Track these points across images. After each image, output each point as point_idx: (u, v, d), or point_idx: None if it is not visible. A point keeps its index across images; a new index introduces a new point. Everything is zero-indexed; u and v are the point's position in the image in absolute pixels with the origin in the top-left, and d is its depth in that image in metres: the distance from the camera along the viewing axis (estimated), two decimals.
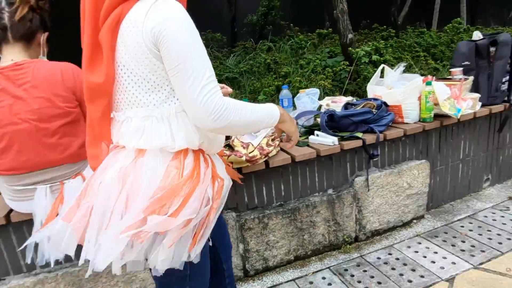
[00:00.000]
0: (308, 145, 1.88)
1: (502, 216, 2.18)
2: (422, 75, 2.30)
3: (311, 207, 1.87)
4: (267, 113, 0.93)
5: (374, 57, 3.72)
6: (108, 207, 0.82)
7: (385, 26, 7.40)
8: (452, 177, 2.36)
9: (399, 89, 2.01)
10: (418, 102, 2.04)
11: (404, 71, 2.16)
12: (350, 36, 4.17)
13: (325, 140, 1.86)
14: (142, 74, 0.84)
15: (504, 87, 2.28)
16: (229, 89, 1.33)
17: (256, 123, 0.91)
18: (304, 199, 1.89)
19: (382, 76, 2.21)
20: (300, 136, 1.97)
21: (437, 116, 2.08)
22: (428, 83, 1.97)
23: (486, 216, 2.20)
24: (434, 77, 2.39)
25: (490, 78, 2.23)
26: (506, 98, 2.30)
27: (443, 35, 7.20)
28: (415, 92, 2.02)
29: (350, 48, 4.06)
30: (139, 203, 0.79)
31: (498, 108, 2.27)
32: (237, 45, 6.68)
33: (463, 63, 2.28)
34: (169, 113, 0.86)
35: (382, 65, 2.14)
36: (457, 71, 2.21)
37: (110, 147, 0.94)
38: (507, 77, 2.29)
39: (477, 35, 2.31)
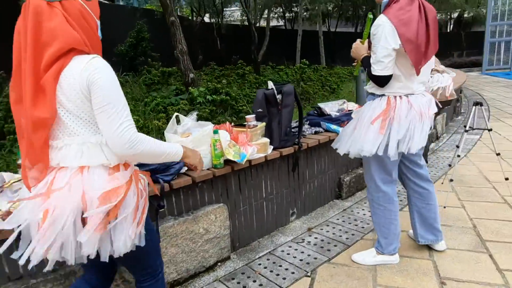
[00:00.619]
0: None
1: (296, 249, 2.38)
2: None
3: None
4: (171, 149, 1.25)
5: (209, 97, 3.86)
6: (71, 212, 1.06)
7: (236, 64, 7.88)
8: (258, 215, 2.51)
9: (188, 138, 2.06)
10: (210, 149, 2.13)
11: None
12: (191, 75, 4.28)
13: None
14: (76, 112, 1.09)
15: (294, 131, 2.56)
16: None
17: (162, 156, 1.22)
18: None
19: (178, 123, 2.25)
20: None
21: (231, 161, 2.20)
22: (215, 132, 2.08)
23: (283, 251, 2.38)
24: (232, 124, 2.54)
25: (280, 123, 2.48)
26: (296, 141, 2.58)
27: (297, 72, 8.00)
28: (207, 139, 2.10)
29: (190, 88, 4.14)
30: (94, 203, 1.07)
31: (288, 150, 2.53)
32: None
33: (257, 110, 2.49)
34: (101, 141, 1.12)
35: (176, 114, 2.18)
36: (250, 118, 2.40)
37: (48, 169, 1.14)
38: (297, 123, 2.59)
39: (270, 84, 2.57)
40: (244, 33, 12.31)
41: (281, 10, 21.37)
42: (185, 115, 2.21)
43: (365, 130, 1.92)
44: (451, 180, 3.03)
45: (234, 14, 20.71)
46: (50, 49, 1.05)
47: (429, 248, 2.27)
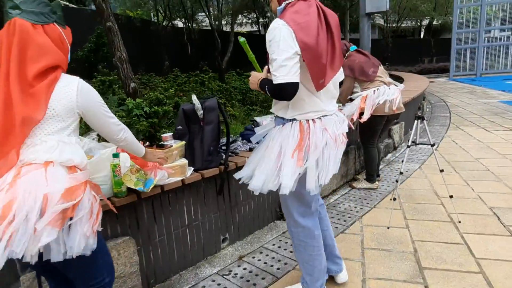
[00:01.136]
0: None
1: (219, 284, 2.13)
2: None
3: None
4: (138, 147, 1.62)
5: (147, 109, 3.57)
6: (32, 207, 1.13)
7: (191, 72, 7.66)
8: (179, 245, 2.24)
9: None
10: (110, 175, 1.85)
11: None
12: (132, 85, 3.98)
13: None
14: (63, 116, 1.30)
15: (220, 150, 2.31)
16: None
17: (136, 147, 1.60)
18: None
19: None
20: None
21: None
22: (115, 155, 1.80)
23: (204, 286, 2.12)
24: (147, 142, 2.28)
25: (202, 142, 2.23)
26: (222, 161, 2.34)
27: None
28: (106, 164, 1.82)
29: (128, 99, 3.83)
30: (55, 198, 1.16)
31: (213, 171, 2.28)
32: None
33: (177, 127, 2.23)
34: (71, 141, 1.32)
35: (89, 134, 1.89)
36: (167, 137, 2.14)
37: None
38: (223, 141, 2.35)
39: (193, 98, 2.32)
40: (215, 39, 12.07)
41: (255, 15, 21.29)
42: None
43: (278, 163, 1.64)
44: (394, 199, 2.86)
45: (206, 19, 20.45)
46: (37, 64, 1.25)
47: (363, 279, 2.07)
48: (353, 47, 3.36)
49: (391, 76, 13.43)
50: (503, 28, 17.61)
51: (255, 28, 23.31)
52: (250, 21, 22.58)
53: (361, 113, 3.11)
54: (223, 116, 2.32)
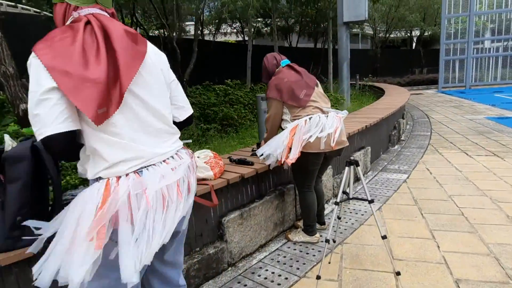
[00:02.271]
0: None
1: None
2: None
3: None
4: None
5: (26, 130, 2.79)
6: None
7: None
8: None
9: None
10: None
11: None
12: (23, 106, 3.21)
13: None
14: None
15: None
16: None
17: None
18: None
19: None
20: None
21: None
22: None
23: None
24: None
25: (3, 209, 1.46)
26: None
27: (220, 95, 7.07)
28: None
29: (15, 126, 3.05)
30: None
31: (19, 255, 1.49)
32: None
33: None
34: None
35: None
36: None
37: None
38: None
39: (6, 139, 1.56)
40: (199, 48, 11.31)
41: (239, 24, 20.73)
42: None
43: (69, 245, 1.04)
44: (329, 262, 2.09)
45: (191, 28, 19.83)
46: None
47: None
48: (285, 62, 2.63)
49: (372, 87, 12.87)
50: (492, 39, 17.14)
51: (240, 38, 22.74)
52: (235, 30, 22.05)
53: (290, 150, 2.37)
54: (48, 171, 1.54)
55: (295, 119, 2.41)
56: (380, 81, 19.35)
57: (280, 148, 2.35)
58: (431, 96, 14.74)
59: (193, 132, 5.84)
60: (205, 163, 2.29)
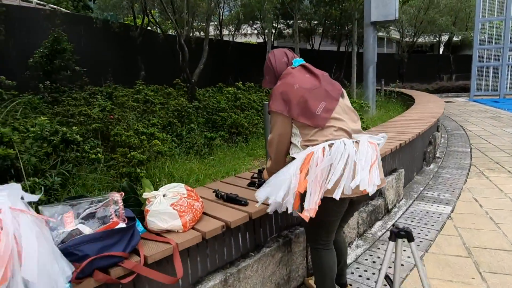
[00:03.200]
0: None
1: None
2: None
3: None
4: None
5: None
6: None
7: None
8: None
9: None
10: None
11: None
12: None
13: None
14: None
15: None
16: None
17: None
18: None
19: None
20: None
21: None
22: None
23: None
24: None
25: None
26: None
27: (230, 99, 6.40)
28: None
29: None
30: None
31: None
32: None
33: None
34: None
35: None
36: None
37: None
38: None
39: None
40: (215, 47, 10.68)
41: (260, 26, 20.02)
42: None
43: None
44: None
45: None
46: None
47: None
48: (298, 61, 1.86)
49: (400, 93, 11.96)
50: None
51: (261, 39, 22.02)
52: (256, 31, 21.37)
53: (303, 196, 1.57)
54: None
55: (307, 146, 1.63)
56: (407, 87, 18.21)
57: (283, 191, 1.57)
58: (462, 105, 13.58)
59: (195, 140, 5.12)
60: (171, 206, 1.55)
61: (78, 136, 3.42)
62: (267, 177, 1.94)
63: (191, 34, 14.56)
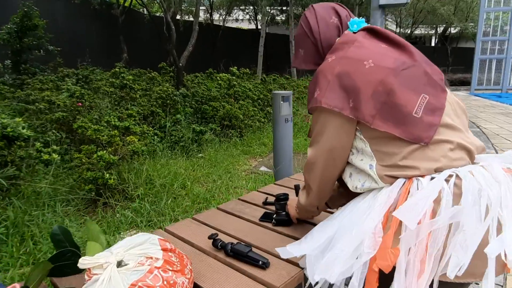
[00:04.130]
0: None
1: None
2: None
3: None
4: None
5: None
6: None
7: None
8: None
9: None
10: None
11: None
12: None
13: None
14: None
15: None
16: None
17: None
18: None
19: None
20: None
21: None
22: None
23: None
24: None
25: None
26: None
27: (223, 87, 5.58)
28: None
29: None
30: None
31: None
32: None
33: None
34: None
35: None
36: None
37: None
38: None
39: None
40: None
41: (253, 9, 19.03)
42: None
43: None
44: None
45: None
46: None
47: None
48: (359, 22, 1.07)
49: None
50: None
51: (252, 25, 21.05)
52: (248, 16, 20.40)
53: (385, 277, 0.80)
54: None
55: (394, 176, 0.86)
56: None
57: (343, 264, 0.81)
58: (465, 99, 13.01)
59: (182, 134, 4.31)
60: (131, 287, 0.76)
61: (25, 130, 2.59)
62: (295, 216, 1.18)
63: (179, 17, 13.58)
